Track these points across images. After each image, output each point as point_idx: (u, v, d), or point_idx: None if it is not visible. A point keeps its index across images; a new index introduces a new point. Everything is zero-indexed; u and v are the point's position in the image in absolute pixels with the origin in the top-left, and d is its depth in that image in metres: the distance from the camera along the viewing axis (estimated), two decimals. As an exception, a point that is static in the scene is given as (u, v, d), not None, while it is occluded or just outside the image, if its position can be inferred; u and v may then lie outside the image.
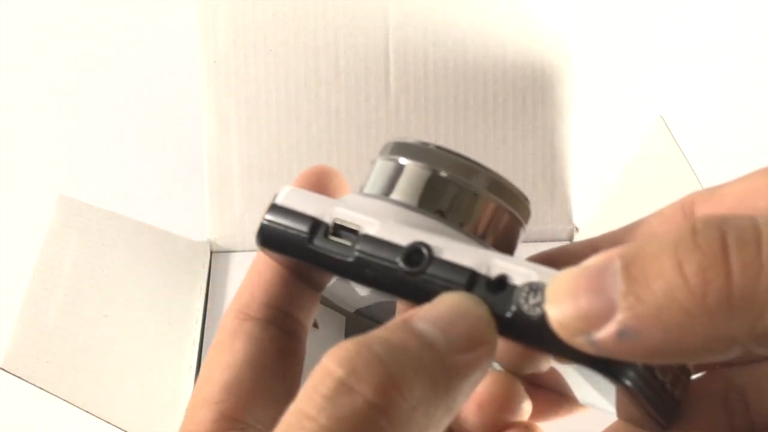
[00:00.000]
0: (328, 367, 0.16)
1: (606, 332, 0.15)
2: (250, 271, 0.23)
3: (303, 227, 0.21)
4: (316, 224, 0.21)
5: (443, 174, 0.21)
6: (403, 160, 0.21)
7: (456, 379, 0.17)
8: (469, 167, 0.21)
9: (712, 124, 0.76)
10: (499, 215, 0.22)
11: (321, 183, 0.23)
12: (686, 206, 0.21)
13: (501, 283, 0.19)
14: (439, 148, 0.21)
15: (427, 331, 0.17)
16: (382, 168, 0.22)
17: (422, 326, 0.17)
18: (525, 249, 0.51)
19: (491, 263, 0.19)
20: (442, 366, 0.17)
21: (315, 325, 0.50)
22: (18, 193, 0.71)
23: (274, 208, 0.21)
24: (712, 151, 0.73)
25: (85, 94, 0.75)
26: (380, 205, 0.21)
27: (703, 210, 0.20)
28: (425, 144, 0.21)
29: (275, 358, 0.22)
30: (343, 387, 0.16)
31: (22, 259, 0.47)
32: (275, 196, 0.22)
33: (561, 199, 0.50)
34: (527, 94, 0.49)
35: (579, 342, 0.16)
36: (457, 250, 0.19)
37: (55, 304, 0.40)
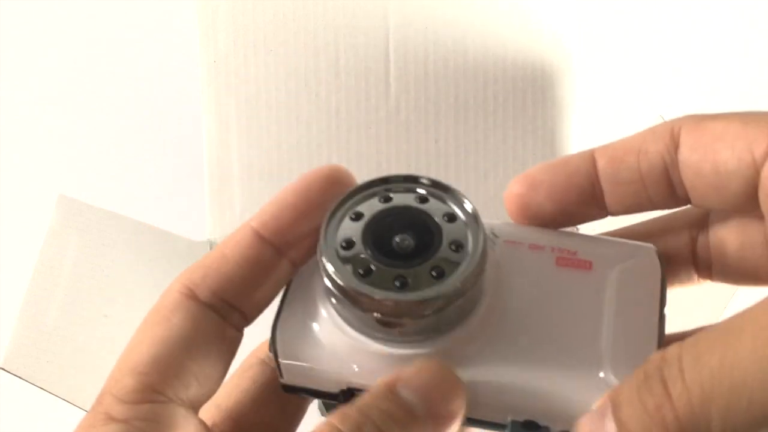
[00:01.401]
0: (336, 425, 0.20)
1: None
2: (215, 251, 0.23)
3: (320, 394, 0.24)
4: (330, 395, 0.24)
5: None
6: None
7: None
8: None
9: (712, 124, 0.76)
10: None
11: (327, 191, 0.24)
12: (675, 130, 0.24)
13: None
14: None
15: (410, 401, 0.21)
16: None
17: (405, 395, 0.21)
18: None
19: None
20: (423, 428, 0.21)
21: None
22: (18, 193, 0.71)
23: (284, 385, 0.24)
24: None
25: (85, 94, 0.75)
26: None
27: (686, 139, 0.23)
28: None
29: (210, 343, 0.22)
30: None
31: (22, 259, 0.47)
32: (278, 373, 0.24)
33: (561, 199, 0.50)
34: (527, 94, 0.49)
35: None
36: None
37: (55, 304, 0.40)
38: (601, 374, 0.22)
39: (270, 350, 0.24)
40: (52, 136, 0.74)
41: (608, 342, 0.23)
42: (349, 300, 0.22)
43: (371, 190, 0.24)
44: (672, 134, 0.24)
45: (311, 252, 0.24)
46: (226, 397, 0.25)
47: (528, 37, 0.48)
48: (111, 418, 0.21)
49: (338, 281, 0.22)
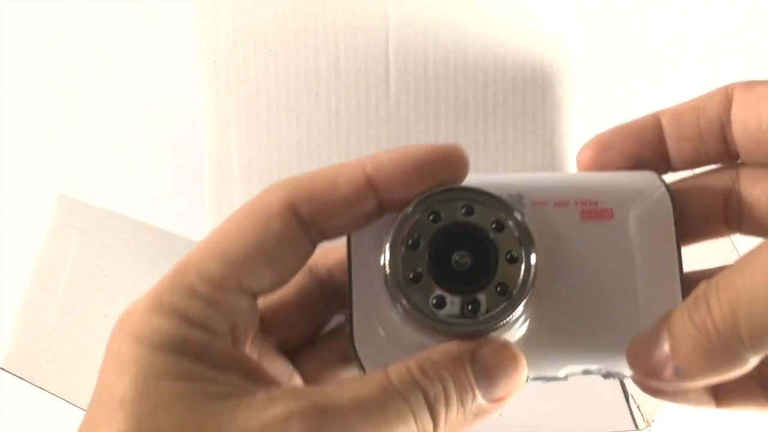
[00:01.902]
0: (391, 379, 0.23)
1: (668, 373, 0.23)
2: (325, 174, 0.25)
3: None
4: None
5: None
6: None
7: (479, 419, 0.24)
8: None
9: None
10: None
11: (442, 171, 0.25)
12: (729, 91, 0.27)
13: None
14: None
15: (476, 375, 0.24)
16: None
17: (472, 369, 0.24)
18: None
19: None
20: (478, 404, 0.24)
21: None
22: (18, 193, 0.71)
23: None
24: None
25: (85, 94, 0.75)
26: None
27: (737, 99, 0.27)
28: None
29: (292, 253, 0.25)
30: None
31: (22, 259, 0.47)
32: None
33: (561, 199, 0.50)
34: (527, 94, 0.49)
35: (653, 384, 0.24)
36: None
37: (55, 304, 0.40)
38: (638, 315, 0.26)
39: (352, 357, 0.26)
40: (52, 136, 0.74)
41: (641, 286, 0.26)
42: (427, 328, 0.24)
43: (419, 209, 0.25)
44: (726, 94, 0.27)
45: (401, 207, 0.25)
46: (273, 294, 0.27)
47: (528, 37, 0.48)
48: (194, 293, 0.23)
49: (416, 318, 0.24)
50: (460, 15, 0.48)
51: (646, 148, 0.28)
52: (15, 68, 0.77)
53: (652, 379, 0.24)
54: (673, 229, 0.26)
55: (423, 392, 0.23)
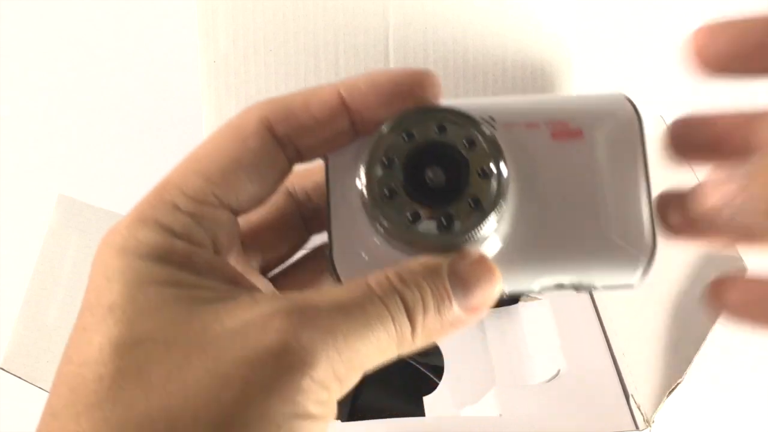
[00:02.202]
0: (372, 286, 0.24)
1: (737, 200, 0.23)
2: (300, 96, 0.26)
3: None
4: None
5: None
6: None
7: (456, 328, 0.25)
8: None
9: (712, 124, 0.76)
10: None
11: (413, 93, 0.26)
12: None
13: None
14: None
15: (452, 284, 0.24)
16: None
17: (449, 279, 0.24)
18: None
19: None
20: (455, 313, 0.24)
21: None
22: (18, 193, 0.71)
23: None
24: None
25: (86, 94, 0.75)
26: None
27: None
28: None
29: (269, 171, 0.26)
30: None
31: (22, 259, 0.47)
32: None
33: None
34: (527, 94, 0.49)
35: (723, 212, 0.24)
36: None
37: (55, 304, 0.40)
38: (606, 229, 0.26)
39: (332, 276, 0.26)
40: (52, 136, 0.74)
41: (610, 201, 0.27)
42: (402, 242, 0.25)
43: (393, 129, 0.26)
44: None
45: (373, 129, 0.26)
46: (252, 213, 0.28)
47: (528, 37, 0.48)
48: (177, 208, 0.24)
49: (393, 235, 0.25)
50: (460, 15, 0.48)
51: (756, 34, 0.27)
52: (15, 69, 0.77)
53: (717, 206, 0.24)
54: (640, 147, 0.27)
55: (401, 297, 0.24)
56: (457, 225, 0.25)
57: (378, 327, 0.23)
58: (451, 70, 0.48)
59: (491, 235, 0.26)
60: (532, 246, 0.26)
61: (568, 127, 0.27)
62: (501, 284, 0.25)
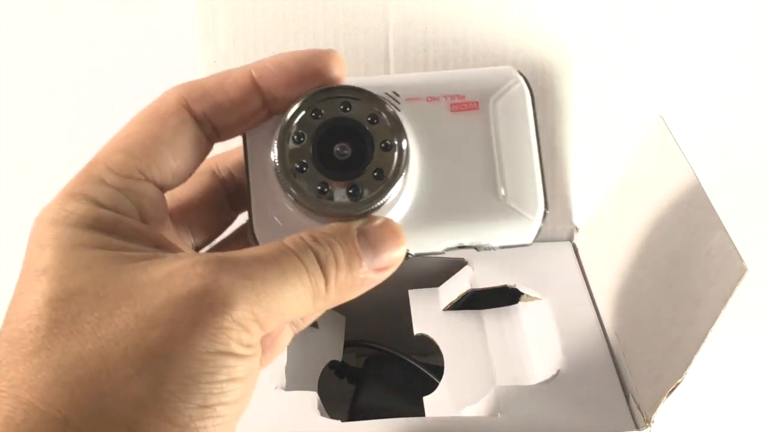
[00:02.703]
0: (287, 245, 0.26)
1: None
2: (214, 80, 0.28)
3: None
4: None
5: None
6: None
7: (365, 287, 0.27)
8: None
9: (712, 124, 0.76)
10: None
11: (319, 74, 0.28)
12: None
13: None
14: None
15: (362, 244, 0.27)
16: None
17: (359, 239, 0.27)
18: (525, 249, 0.51)
19: None
20: (363, 272, 0.27)
21: (315, 325, 0.50)
22: (18, 193, 0.71)
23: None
24: (712, 151, 0.73)
25: (86, 94, 0.75)
26: None
27: None
28: None
29: (189, 147, 0.28)
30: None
31: (22, 259, 0.47)
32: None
33: (561, 199, 0.50)
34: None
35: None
36: None
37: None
38: (502, 193, 0.29)
39: (251, 241, 0.29)
40: (52, 137, 0.74)
41: (505, 168, 0.29)
42: (314, 212, 0.27)
43: (302, 108, 0.28)
44: None
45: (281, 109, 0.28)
46: (179, 191, 0.30)
47: (528, 37, 0.48)
48: (103, 182, 0.26)
49: (305, 204, 0.27)
50: (460, 15, 0.48)
51: None
52: (16, 69, 0.77)
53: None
54: (531, 117, 0.30)
55: (314, 252, 0.26)
56: (364, 194, 0.27)
57: (293, 276, 0.25)
58: (451, 69, 0.48)
59: (396, 202, 0.28)
60: (434, 211, 0.29)
61: (465, 100, 0.30)
62: (406, 245, 0.28)
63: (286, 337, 0.33)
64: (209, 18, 0.48)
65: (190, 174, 0.28)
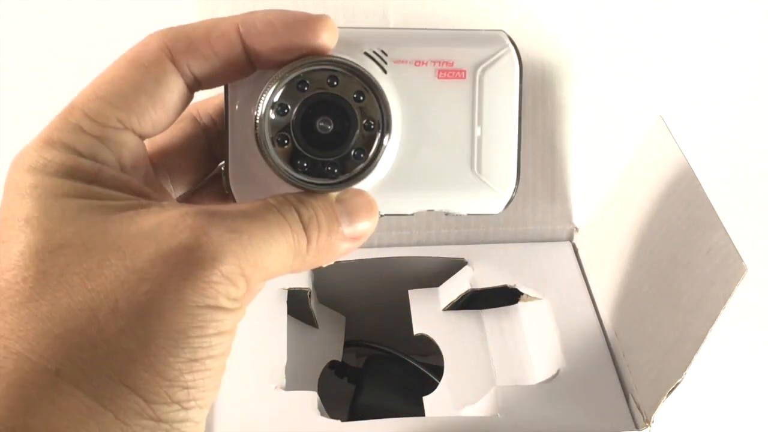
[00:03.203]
0: (273, 203, 0.26)
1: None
2: (199, 32, 0.27)
3: None
4: None
5: None
6: None
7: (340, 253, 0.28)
8: None
9: (712, 124, 0.76)
10: None
11: (309, 34, 0.27)
12: None
13: None
14: None
15: (339, 212, 0.27)
16: None
17: (338, 207, 0.27)
18: (525, 249, 0.51)
19: None
20: (340, 237, 0.27)
21: (315, 325, 0.50)
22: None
23: None
24: (711, 151, 0.73)
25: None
26: None
27: None
28: None
29: (170, 97, 0.27)
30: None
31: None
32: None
33: (561, 199, 0.50)
34: (527, 94, 0.49)
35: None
36: None
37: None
38: (476, 166, 0.30)
39: (226, 191, 0.29)
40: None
41: (483, 141, 0.29)
42: (293, 186, 0.28)
43: (288, 77, 0.27)
44: None
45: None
46: (159, 138, 0.30)
47: (528, 37, 0.48)
48: (82, 130, 0.26)
49: (282, 176, 0.27)
50: (460, 15, 0.48)
51: None
52: (15, 69, 0.77)
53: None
54: (516, 92, 0.30)
55: (298, 212, 0.26)
56: (344, 172, 0.28)
57: (277, 233, 0.25)
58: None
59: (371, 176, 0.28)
60: (408, 178, 0.29)
61: (453, 68, 0.29)
62: (378, 217, 0.28)
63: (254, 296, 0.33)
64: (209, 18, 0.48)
65: (170, 124, 0.28)
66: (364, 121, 0.28)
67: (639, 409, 0.39)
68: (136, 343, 0.23)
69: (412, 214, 0.30)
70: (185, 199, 0.32)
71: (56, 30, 0.78)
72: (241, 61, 0.27)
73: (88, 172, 0.25)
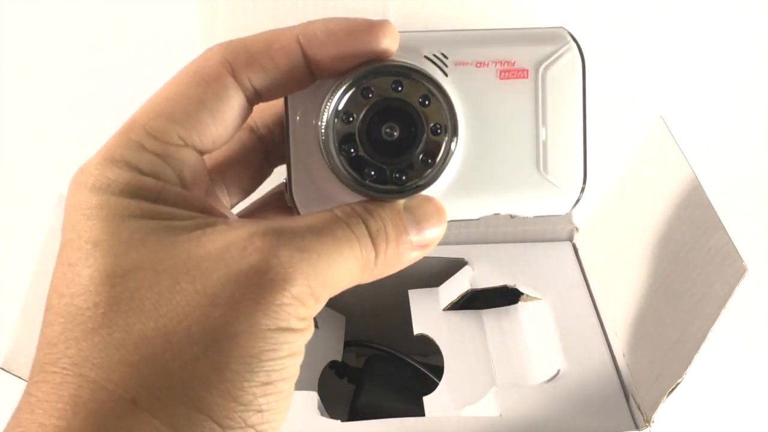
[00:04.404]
0: (338, 214, 0.26)
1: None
2: (261, 43, 0.27)
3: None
4: None
5: None
6: None
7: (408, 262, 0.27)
8: None
9: (712, 124, 0.76)
10: None
11: (371, 42, 0.27)
12: None
13: None
14: None
15: (408, 221, 0.27)
16: None
17: (406, 216, 0.27)
18: (525, 249, 0.51)
19: None
20: (407, 245, 0.27)
21: (315, 325, 0.50)
22: (18, 193, 0.71)
23: None
24: (711, 151, 0.73)
25: (85, 94, 0.75)
26: None
27: None
28: None
29: (231, 113, 0.27)
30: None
31: (22, 259, 0.47)
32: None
33: (561, 199, 0.50)
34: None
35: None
36: None
37: (55, 304, 0.40)
38: (542, 167, 0.29)
39: (289, 203, 0.29)
40: (52, 136, 0.74)
41: (548, 142, 0.29)
42: (359, 194, 0.27)
43: (352, 86, 0.27)
44: None
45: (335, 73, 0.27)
46: (218, 150, 0.29)
47: (528, 37, 0.48)
48: (142, 147, 0.25)
49: (350, 185, 0.27)
50: (460, 15, 0.48)
51: None
52: (15, 69, 0.77)
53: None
54: (580, 90, 0.29)
55: (365, 224, 0.26)
56: (411, 179, 0.27)
57: (346, 248, 0.25)
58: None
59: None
60: (474, 182, 0.29)
61: (515, 67, 0.29)
62: (446, 223, 0.28)
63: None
64: (209, 18, 0.48)
65: (230, 138, 0.28)
66: (431, 126, 0.27)
67: (639, 409, 0.39)
68: (210, 369, 0.23)
69: (478, 219, 0.30)
70: (249, 213, 0.32)
71: (56, 30, 0.78)
72: (301, 72, 0.27)
73: (152, 191, 0.25)
